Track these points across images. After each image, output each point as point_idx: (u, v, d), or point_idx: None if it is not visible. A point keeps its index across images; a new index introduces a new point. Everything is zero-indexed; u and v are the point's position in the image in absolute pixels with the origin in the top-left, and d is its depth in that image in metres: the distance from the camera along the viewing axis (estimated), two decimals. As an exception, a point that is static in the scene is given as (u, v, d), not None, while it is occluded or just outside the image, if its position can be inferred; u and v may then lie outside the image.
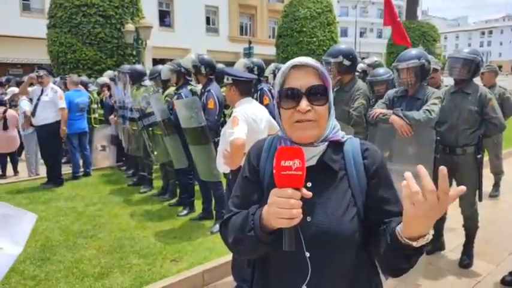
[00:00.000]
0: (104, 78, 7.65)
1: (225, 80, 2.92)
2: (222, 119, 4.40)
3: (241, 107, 2.79)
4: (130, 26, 11.97)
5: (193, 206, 4.73)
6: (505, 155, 6.12)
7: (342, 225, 1.03)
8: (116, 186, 6.09)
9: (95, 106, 7.64)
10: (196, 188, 4.78)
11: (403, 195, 0.83)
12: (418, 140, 2.97)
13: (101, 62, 12.00)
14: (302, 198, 0.91)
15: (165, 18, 24.67)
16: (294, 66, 1.07)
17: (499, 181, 5.51)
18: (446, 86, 3.71)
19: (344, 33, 42.42)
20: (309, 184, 1.03)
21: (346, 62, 3.29)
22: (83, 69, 11.59)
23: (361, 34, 46.58)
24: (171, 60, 5.62)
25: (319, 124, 1.05)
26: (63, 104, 5.96)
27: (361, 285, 1.10)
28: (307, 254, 1.03)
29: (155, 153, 5.20)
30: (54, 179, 6.05)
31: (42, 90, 5.89)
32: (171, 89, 4.89)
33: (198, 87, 4.54)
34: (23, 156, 7.31)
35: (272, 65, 5.38)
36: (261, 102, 4.15)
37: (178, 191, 5.13)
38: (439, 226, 3.58)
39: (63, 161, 6.97)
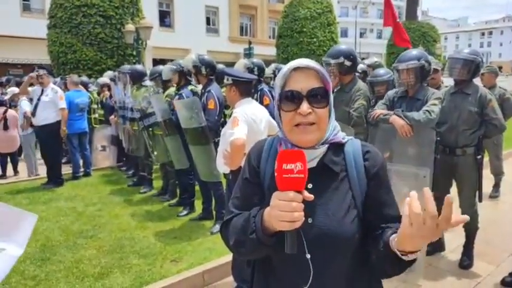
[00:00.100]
0: (104, 79, 7.65)
1: (225, 81, 2.93)
2: (222, 119, 4.40)
3: (241, 107, 2.80)
4: (130, 26, 11.98)
5: (194, 206, 4.74)
6: (505, 156, 6.12)
7: (343, 227, 1.03)
8: (116, 186, 6.09)
9: (95, 106, 7.65)
10: (196, 188, 4.78)
11: (404, 212, 0.83)
12: (418, 140, 2.97)
13: (101, 62, 12.02)
14: (303, 201, 0.91)
15: (165, 18, 24.68)
16: (295, 69, 1.06)
17: (499, 182, 5.51)
18: (447, 86, 3.72)
19: (344, 33, 42.43)
20: (310, 186, 1.03)
21: (347, 63, 3.29)
22: (83, 70, 11.61)
23: (361, 34, 46.59)
24: (171, 60, 5.62)
25: (319, 127, 1.05)
26: (63, 104, 5.97)
27: (362, 286, 1.11)
28: (308, 256, 1.03)
29: (155, 153, 5.21)
30: (55, 179, 6.06)
31: (42, 91, 5.90)
32: (172, 89, 4.89)
33: (199, 88, 4.54)
34: (23, 156, 7.31)
35: (272, 66, 5.38)
36: (261, 102, 4.15)
37: (178, 191, 5.14)
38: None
39: (63, 161, 6.98)
